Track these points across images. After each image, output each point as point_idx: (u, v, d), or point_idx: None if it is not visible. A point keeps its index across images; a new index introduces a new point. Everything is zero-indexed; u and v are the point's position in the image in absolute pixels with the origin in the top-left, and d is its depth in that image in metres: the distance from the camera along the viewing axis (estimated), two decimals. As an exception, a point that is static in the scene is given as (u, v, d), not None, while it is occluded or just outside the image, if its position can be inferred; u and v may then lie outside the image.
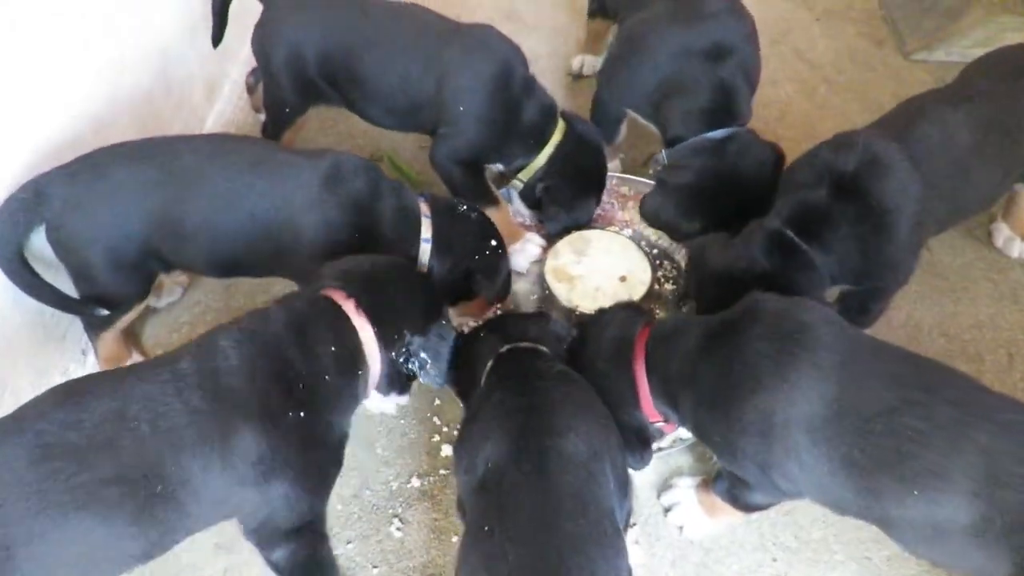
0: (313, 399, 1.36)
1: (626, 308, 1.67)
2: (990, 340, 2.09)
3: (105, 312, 1.77)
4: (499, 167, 2.16)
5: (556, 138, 2.07)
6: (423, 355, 1.53)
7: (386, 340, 1.48)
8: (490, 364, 1.50)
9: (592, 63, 2.75)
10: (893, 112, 1.83)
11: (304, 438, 1.34)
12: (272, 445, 1.29)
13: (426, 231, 1.84)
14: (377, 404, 1.71)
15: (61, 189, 1.63)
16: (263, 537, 1.40)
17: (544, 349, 1.53)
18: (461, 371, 1.61)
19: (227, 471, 1.27)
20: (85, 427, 1.19)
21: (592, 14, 2.62)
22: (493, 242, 1.89)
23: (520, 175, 2.11)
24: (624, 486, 1.38)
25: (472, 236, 1.88)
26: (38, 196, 1.62)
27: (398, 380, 1.55)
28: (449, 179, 2.10)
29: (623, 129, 2.34)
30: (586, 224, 2.16)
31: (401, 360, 1.51)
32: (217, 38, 2.27)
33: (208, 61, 2.59)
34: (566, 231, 2.15)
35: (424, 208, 1.86)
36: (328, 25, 2.06)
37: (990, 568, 1.24)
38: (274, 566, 1.45)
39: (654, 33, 2.05)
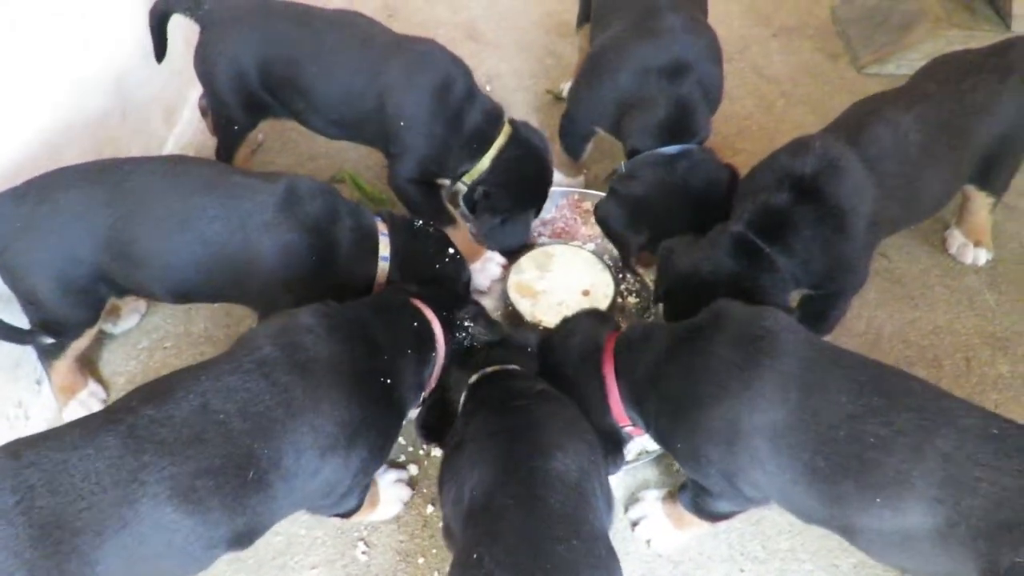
0: (395, 369, 1.48)
1: (590, 315, 1.68)
2: (948, 345, 2.12)
3: (50, 340, 1.74)
4: (447, 182, 2.15)
5: (500, 141, 2.07)
6: (467, 321, 1.67)
7: (448, 325, 1.64)
8: (464, 395, 1.49)
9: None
10: (845, 115, 1.87)
11: (386, 403, 1.46)
12: (360, 406, 1.38)
13: (384, 249, 1.85)
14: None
15: (6, 212, 1.61)
16: (335, 503, 1.50)
17: (516, 367, 1.52)
18: (432, 413, 1.60)
19: (318, 439, 1.32)
20: (175, 422, 1.23)
21: (580, 24, 2.63)
22: (451, 251, 1.91)
23: (464, 178, 2.11)
24: (609, 504, 1.36)
25: (430, 250, 1.90)
26: None
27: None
28: (406, 200, 2.10)
29: (589, 146, 2.36)
30: (523, 238, 2.15)
31: (463, 335, 1.65)
32: (159, 55, 2.25)
33: (167, 84, 2.57)
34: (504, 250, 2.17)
35: (382, 227, 1.87)
36: (268, 38, 2.05)
37: (957, 573, 1.23)
38: (346, 513, 1.60)
39: (614, 53, 2.08)
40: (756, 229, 1.68)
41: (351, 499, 1.52)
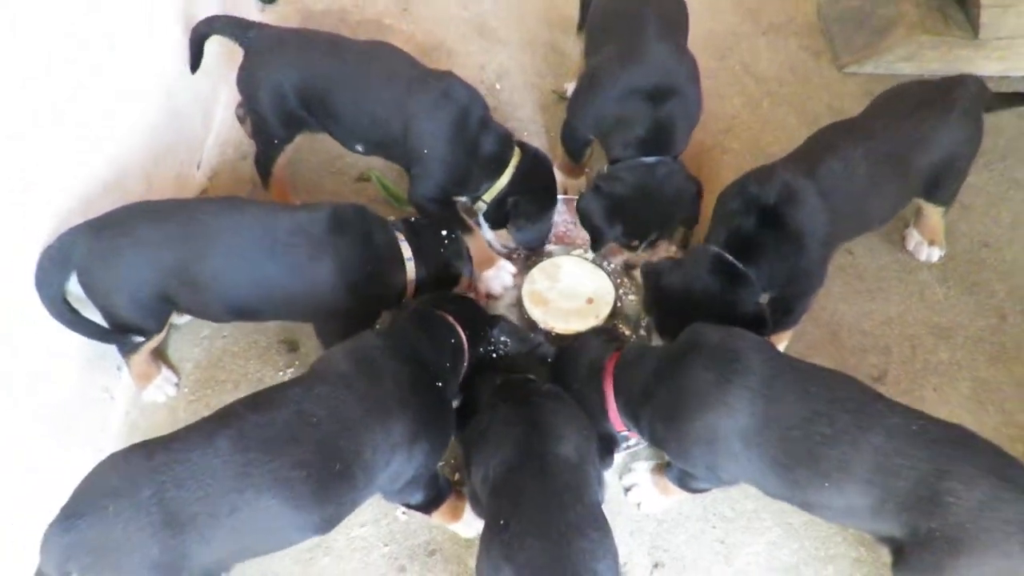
0: (442, 376, 1.81)
1: (597, 335, 2.01)
2: (898, 334, 2.45)
3: (139, 340, 2.06)
4: (466, 200, 2.45)
5: (514, 161, 2.37)
6: (503, 338, 2.03)
7: (474, 341, 1.96)
8: (488, 394, 1.82)
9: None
10: (807, 144, 2.17)
11: (439, 405, 1.78)
12: (419, 413, 1.68)
13: (407, 252, 2.17)
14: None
15: (87, 240, 1.88)
16: (403, 492, 1.78)
17: (531, 376, 1.86)
18: (464, 409, 1.92)
19: (390, 437, 1.62)
20: (276, 425, 1.54)
21: (580, 28, 2.85)
22: (446, 232, 2.25)
23: (484, 197, 2.40)
24: (600, 483, 1.72)
25: (435, 237, 2.24)
26: (68, 248, 1.86)
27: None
28: (426, 214, 2.37)
29: (588, 151, 2.63)
30: (547, 236, 2.48)
31: (491, 346, 2.00)
32: (195, 66, 2.50)
33: (202, 86, 2.78)
34: (535, 248, 2.48)
35: (399, 236, 2.18)
36: (305, 66, 2.29)
37: (890, 532, 1.61)
38: (414, 507, 1.88)
39: (605, 75, 2.35)
40: (731, 250, 2.00)
41: (416, 491, 1.80)
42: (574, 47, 3.12)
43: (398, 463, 1.67)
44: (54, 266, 1.85)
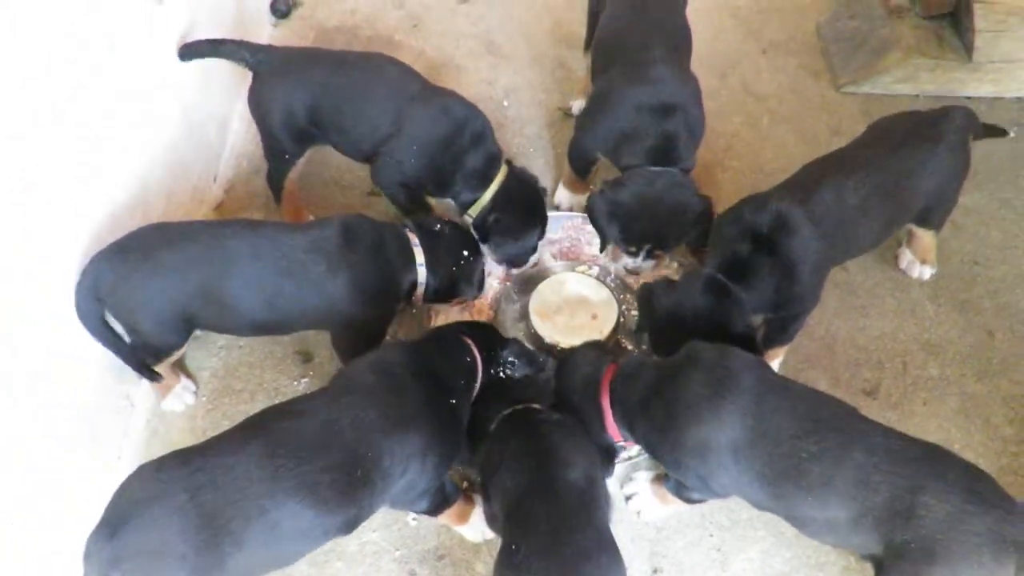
0: (456, 393, 1.91)
1: (592, 348, 2.10)
2: (890, 350, 2.54)
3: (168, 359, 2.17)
4: (450, 202, 2.54)
5: (499, 179, 2.45)
6: (511, 359, 2.12)
7: (488, 361, 2.07)
8: (497, 421, 1.91)
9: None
10: (800, 174, 2.24)
11: (451, 420, 1.87)
12: (433, 426, 1.79)
13: (419, 256, 2.25)
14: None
15: (115, 263, 1.96)
16: (412, 500, 1.87)
17: (538, 406, 1.95)
18: (471, 429, 1.99)
19: (406, 447, 1.72)
20: (304, 433, 1.64)
21: (587, 47, 2.91)
22: (466, 252, 2.33)
23: (470, 211, 2.49)
24: (608, 504, 1.80)
25: (452, 251, 2.31)
26: (96, 277, 1.95)
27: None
28: (393, 197, 2.46)
29: (594, 168, 2.72)
30: (531, 253, 2.55)
31: (500, 367, 2.11)
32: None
33: (218, 99, 2.87)
34: (516, 266, 2.56)
35: (412, 237, 2.26)
36: (313, 85, 2.39)
37: (867, 547, 1.70)
38: (421, 512, 1.97)
39: (614, 95, 2.44)
40: (724, 272, 2.09)
41: (425, 500, 1.90)
42: (580, 64, 3.20)
43: (413, 472, 1.76)
44: (88, 299, 1.95)
